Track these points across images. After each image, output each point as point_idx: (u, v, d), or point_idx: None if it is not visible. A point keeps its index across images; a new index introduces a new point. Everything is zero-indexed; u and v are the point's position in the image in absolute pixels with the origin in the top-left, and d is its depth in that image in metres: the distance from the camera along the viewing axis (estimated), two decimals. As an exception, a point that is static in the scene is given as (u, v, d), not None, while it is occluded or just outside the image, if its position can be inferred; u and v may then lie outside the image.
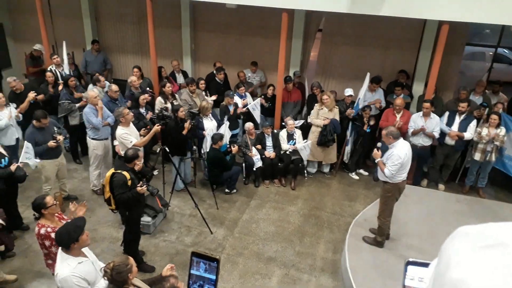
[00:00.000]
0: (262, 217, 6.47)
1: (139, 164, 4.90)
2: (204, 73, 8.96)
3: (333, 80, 8.66)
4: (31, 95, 6.91)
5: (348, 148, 7.46)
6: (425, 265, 0.97)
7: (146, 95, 7.15)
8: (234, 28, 8.97)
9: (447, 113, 6.96)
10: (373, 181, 7.54)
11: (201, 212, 6.14)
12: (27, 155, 5.65)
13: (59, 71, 8.05)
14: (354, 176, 7.69)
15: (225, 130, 7.01)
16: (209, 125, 6.97)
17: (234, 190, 7.08)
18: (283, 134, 7.27)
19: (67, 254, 3.41)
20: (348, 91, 7.42)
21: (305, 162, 7.47)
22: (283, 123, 7.50)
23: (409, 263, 1.04)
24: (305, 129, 7.51)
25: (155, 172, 5.65)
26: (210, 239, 5.91)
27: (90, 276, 3.50)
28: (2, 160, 5.32)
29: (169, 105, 7.20)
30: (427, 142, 6.85)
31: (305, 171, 7.39)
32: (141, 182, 4.91)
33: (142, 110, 7.06)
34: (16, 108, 6.72)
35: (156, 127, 6.00)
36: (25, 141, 5.75)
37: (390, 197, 5.18)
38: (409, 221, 5.96)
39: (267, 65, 8.83)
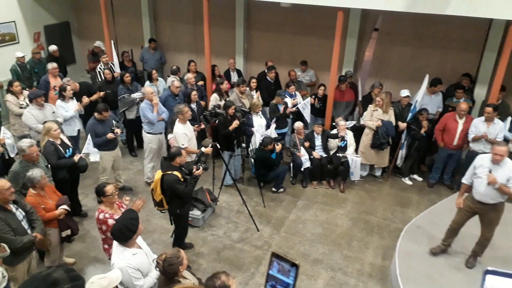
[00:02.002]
0: (309, 218, 6.40)
1: (182, 160, 5.00)
2: (256, 72, 9.01)
3: (388, 81, 8.38)
4: (96, 96, 7.41)
5: (402, 152, 7.19)
6: (507, 275, 0.90)
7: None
8: (287, 27, 8.95)
9: (509, 118, 6.52)
10: (428, 187, 7.22)
11: (249, 209, 6.19)
12: (89, 147, 5.97)
13: (103, 69, 8.32)
14: (407, 181, 7.40)
15: (271, 132, 7.00)
16: (259, 122, 6.99)
17: (281, 189, 7.07)
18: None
19: (122, 246, 3.55)
20: (405, 92, 7.15)
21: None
22: (334, 124, 7.37)
23: (488, 272, 0.97)
24: (357, 131, 7.33)
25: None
26: (257, 236, 5.94)
27: (144, 267, 3.62)
28: (67, 150, 5.66)
29: (222, 103, 7.32)
30: (489, 149, 6.43)
31: (351, 173, 7.14)
32: (195, 166, 5.03)
33: (194, 106, 7.22)
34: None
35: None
36: (88, 135, 6.08)
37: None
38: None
39: (319, 64, 8.73)
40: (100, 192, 4.28)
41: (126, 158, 7.84)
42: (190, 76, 7.79)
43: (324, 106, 7.60)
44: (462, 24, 7.21)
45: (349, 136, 7.16)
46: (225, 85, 7.57)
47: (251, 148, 7.06)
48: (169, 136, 6.51)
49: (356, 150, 7.22)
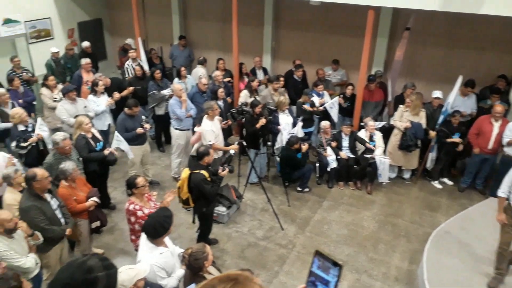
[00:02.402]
0: (335, 219, 6.33)
1: (209, 159, 5.04)
2: (283, 70, 8.98)
3: (419, 81, 8.17)
4: (127, 92, 7.58)
5: (432, 155, 7.01)
6: None
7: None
8: (315, 25, 8.88)
9: None
10: (458, 191, 7.01)
11: (273, 207, 6.17)
12: (118, 142, 6.09)
13: (134, 65, 8.46)
14: (437, 184, 7.21)
15: (297, 130, 6.95)
16: (285, 120, 6.95)
17: (307, 189, 7.02)
18: (361, 134, 7.03)
19: (151, 243, 3.59)
20: (436, 93, 6.96)
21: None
22: (362, 124, 7.26)
23: None
24: (386, 132, 7.19)
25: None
26: (281, 235, 5.92)
27: (169, 266, 3.67)
28: (98, 144, 5.81)
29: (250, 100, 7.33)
30: (525, 154, 6.19)
31: (379, 174, 6.99)
32: (220, 167, 5.08)
33: (220, 103, 7.26)
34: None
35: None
36: (115, 131, 6.20)
37: None
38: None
39: (348, 63, 8.61)
40: (131, 184, 4.38)
41: (154, 153, 7.96)
42: (218, 74, 7.85)
43: (352, 106, 7.50)
44: (499, 24, 6.95)
45: (378, 137, 7.04)
46: (255, 83, 7.59)
47: (277, 146, 7.03)
48: (196, 129, 6.56)
49: (385, 152, 7.08)
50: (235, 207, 6.45)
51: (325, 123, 7.09)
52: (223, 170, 5.07)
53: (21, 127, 5.91)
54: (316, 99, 7.43)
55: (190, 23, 10.45)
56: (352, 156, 7.06)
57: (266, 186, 6.74)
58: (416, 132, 6.77)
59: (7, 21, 8.44)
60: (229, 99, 7.81)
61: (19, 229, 3.79)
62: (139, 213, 4.33)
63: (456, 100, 6.93)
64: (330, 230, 6.06)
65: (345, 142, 7.09)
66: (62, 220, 4.43)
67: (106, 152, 5.78)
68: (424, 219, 6.36)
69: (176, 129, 6.94)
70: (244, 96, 7.46)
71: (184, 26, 10.45)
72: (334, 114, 7.48)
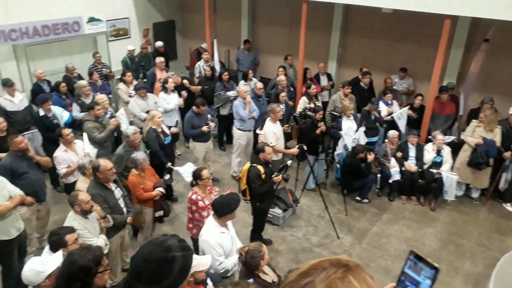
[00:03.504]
0: (394, 233, 6.11)
1: (265, 156, 5.13)
2: (348, 77, 8.85)
3: (496, 96, 7.64)
4: (195, 89, 7.92)
5: (506, 175, 6.53)
6: None
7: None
8: (385, 33, 8.65)
9: None
10: (533, 217, 6.48)
11: (330, 215, 6.09)
12: (182, 170, 5.97)
13: (204, 66, 8.75)
14: (509, 207, 6.69)
15: (359, 135, 6.80)
16: (348, 125, 6.81)
17: (366, 200, 6.84)
18: (428, 148, 6.73)
19: (215, 221, 3.85)
20: (515, 110, 6.49)
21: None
22: (430, 137, 6.94)
23: None
24: (456, 147, 6.82)
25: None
26: (337, 244, 5.83)
27: (226, 248, 3.86)
28: (166, 138, 6.11)
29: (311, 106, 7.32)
30: None
31: (445, 191, 6.62)
32: (276, 172, 5.16)
33: (282, 106, 7.30)
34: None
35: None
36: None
37: None
38: None
39: (416, 73, 8.31)
40: (197, 175, 4.61)
41: (215, 151, 8.18)
42: (282, 79, 7.91)
43: (420, 117, 7.20)
44: None
45: (446, 152, 6.69)
46: (313, 89, 7.54)
47: (337, 152, 6.93)
48: (259, 131, 6.68)
49: (452, 168, 6.71)
50: (291, 211, 6.45)
51: (393, 133, 6.85)
52: (276, 176, 5.15)
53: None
54: (383, 108, 7.23)
55: (258, 27, 10.65)
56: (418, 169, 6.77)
57: (324, 193, 6.66)
58: (488, 150, 6.35)
59: (91, 20, 9.13)
60: (291, 103, 7.86)
61: (93, 211, 4.09)
62: (200, 204, 4.55)
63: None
64: (388, 243, 5.86)
65: (412, 153, 6.80)
66: (124, 210, 4.69)
67: (168, 164, 6.02)
68: (493, 242, 5.94)
69: (239, 129, 7.11)
70: (302, 103, 7.46)
71: (252, 30, 10.67)
72: (402, 125, 7.22)
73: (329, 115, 6.73)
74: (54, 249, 3.31)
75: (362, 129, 6.87)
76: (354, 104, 7.17)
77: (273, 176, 5.17)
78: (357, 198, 6.86)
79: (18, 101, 6.91)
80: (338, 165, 6.94)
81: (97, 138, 6.02)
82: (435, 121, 7.20)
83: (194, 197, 4.57)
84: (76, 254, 2.76)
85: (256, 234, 5.60)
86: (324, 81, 8.79)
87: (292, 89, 8.29)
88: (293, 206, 6.45)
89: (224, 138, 8.53)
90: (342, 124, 6.79)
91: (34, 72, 7.74)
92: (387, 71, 8.50)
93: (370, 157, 6.52)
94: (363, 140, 6.81)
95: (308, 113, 6.44)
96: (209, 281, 3.49)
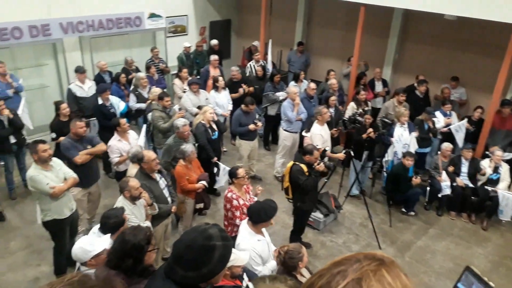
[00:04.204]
0: (440, 249, 5.83)
1: (311, 159, 5.06)
2: (402, 84, 8.55)
3: None
4: (246, 87, 7.98)
5: None
6: None
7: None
8: (446, 41, 8.28)
9: None
10: None
11: (373, 224, 5.93)
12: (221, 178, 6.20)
13: (256, 66, 8.82)
14: None
15: (410, 140, 6.53)
16: (400, 132, 6.56)
17: (412, 213, 6.58)
18: (485, 164, 6.36)
19: (250, 229, 3.77)
20: None
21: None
22: (487, 152, 6.55)
23: None
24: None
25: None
26: (378, 254, 5.66)
27: (264, 255, 3.80)
28: (214, 133, 6.24)
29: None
30: None
31: (500, 210, 6.20)
32: (318, 160, 5.11)
33: (331, 110, 7.21)
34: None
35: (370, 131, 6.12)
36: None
37: None
38: None
39: (475, 84, 7.90)
40: (233, 174, 4.64)
41: (260, 150, 8.22)
42: (334, 82, 7.82)
43: (478, 131, 6.82)
44: None
45: (504, 170, 6.28)
46: (362, 95, 7.38)
47: (386, 159, 6.71)
48: (304, 133, 6.64)
49: (510, 187, 6.30)
50: (332, 217, 6.35)
51: (447, 145, 6.54)
52: (318, 164, 5.05)
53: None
54: (440, 119, 6.92)
55: (312, 30, 10.58)
56: (470, 185, 6.42)
57: (368, 202, 6.50)
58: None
59: (152, 16, 9.51)
60: (341, 107, 7.74)
61: (142, 198, 4.26)
62: (234, 202, 4.55)
63: None
64: (433, 259, 5.61)
65: (464, 168, 6.47)
66: (169, 199, 4.85)
67: (215, 159, 6.13)
68: (551, 270, 5.51)
69: (285, 130, 7.11)
70: (350, 108, 7.32)
71: (306, 32, 10.62)
72: (460, 138, 6.86)
73: (380, 121, 6.54)
74: (105, 231, 3.48)
75: (414, 134, 6.59)
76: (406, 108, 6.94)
77: (315, 164, 5.06)
78: (403, 209, 6.62)
79: (87, 88, 7.35)
80: (385, 174, 6.73)
81: (161, 128, 6.32)
82: (494, 136, 6.79)
83: (229, 195, 4.58)
84: (129, 234, 2.90)
85: (295, 236, 5.56)
86: (379, 87, 8.58)
87: (343, 93, 8.16)
88: (335, 212, 6.34)
89: (269, 138, 8.56)
90: (395, 131, 6.58)
91: (97, 63, 8.20)
92: (444, 80, 8.13)
93: (416, 180, 6.25)
94: (414, 147, 6.55)
95: (358, 118, 6.31)
96: (245, 277, 3.53)
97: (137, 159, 4.67)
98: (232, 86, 8.00)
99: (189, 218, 5.43)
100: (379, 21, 8.96)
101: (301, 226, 5.56)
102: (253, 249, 3.70)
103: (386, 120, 6.63)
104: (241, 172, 4.66)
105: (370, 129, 6.33)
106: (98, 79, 7.93)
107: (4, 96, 6.54)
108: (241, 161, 6.91)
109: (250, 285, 1.40)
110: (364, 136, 6.30)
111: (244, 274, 3.48)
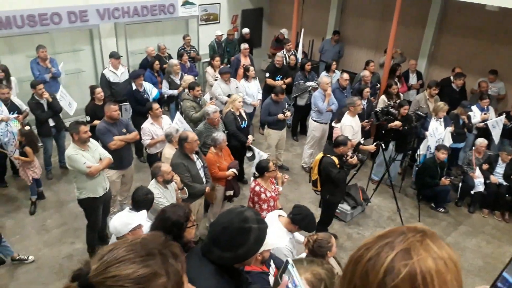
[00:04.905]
0: (471, 246, 5.70)
1: (344, 150, 5.01)
2: (437, 76, 8.31)
3: None
4: (281, 82, 8.00)
5: None
6: None
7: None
8: (486, 33, 7.96)
9: None
10: None
11: (402, 218, 5.86)
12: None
13: (288, 55, 8.77)
14: None
15: (445, 135, 6.36)
16: (436, 126, 6.38)
17: (442, 209, 6.45)
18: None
19: (283, 226, 3.79)
20: None
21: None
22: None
23: None
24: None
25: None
26: (405, 249, 5.59)
27: (295, 252, 3.85)
28: (243, 122, 6.28)
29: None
30: None
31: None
32: (351, 154, 5.06)
33: (364, 102, 7.10)
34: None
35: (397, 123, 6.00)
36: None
37: None
38: None
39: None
40: (264, 168, 4.59)
41: (288, 140, 8.19)
42: (367, 74, 7.67)
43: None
44: None
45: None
46: (393, 88, 7.22)
47: (419, 153, 6.56)
48: (334, 124, 6.58)
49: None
50: (360, 209, 6.30)
51: (481, 141, 6.34)
52: (351, 157, 5.00)
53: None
54: (477, 114, 6.71)
55: (346, 19, 10.40)
56: (505, 183, 6.22)
57: (397, 196, 6.41)
58: None
59: (185, 3, 9.59)
60: (373, 99, 7.60)
61: (173, 181, 4.39)
62: (262, 196, 4.59)
63: None
64: (462, 257, 5.49)
65: (500, 169, 6.26)
66: (204, 180, 4.99)
67: (249, 140, 6.15)
68: None
69: (315, 120, 7.06)
70: (381, 101, 7.17)
71: (340, 22, 10.44)
72: (496, 134, 6.62)
73: (414, 114, 6.39)
74: (137, 208, 3.62)
75: (449, 129, 6.42)
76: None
77: (347, 157, 5.02)
78: (433, 205, 6.50)
79: (120, 74, 7.53)
80: (416, 167, 6.59)
81: (192, 118, 6.38)
82: (533, 132, 6.53)
83: (257, 188, 4.60)
84: (169, 211, 3.03)
85: (322, 227, 5.54)
86: (413, 79, 8.36)
87: (378, 85, 8.01)
88: (363, 204, 6.29)
89: (298, 128, 8.53)
90: (429, 124, 6.42)
91: (146, 48, 8.28)
92: (481, 73, 7.85)
93: (445, 181, 6.11)
94: (448, 141, 6.38)
95: (391, 110, 6.19)
96: (272, 264, 3.58)
97: (180, 139, 4.79)
98: (274, 71, 8.04)
99: (219, 205, 5.53)
100: (416, 11, 8.72)
101: (329, 218, 5.55)
102: (287, 247, 3.71)
103: (420, 113, 6.47)
104: (271, 166, 4.66)
105: (398, 122, 6.22)
106: (146, 64, 8.09)
107: (42, 80, 6.79)
108: (269, 150, 6.94)
109: (290, 260, 1.44)
110: (392, 124, 6.18)
111: (272, 261, 3.53)
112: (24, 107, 6.40)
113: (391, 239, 0.81)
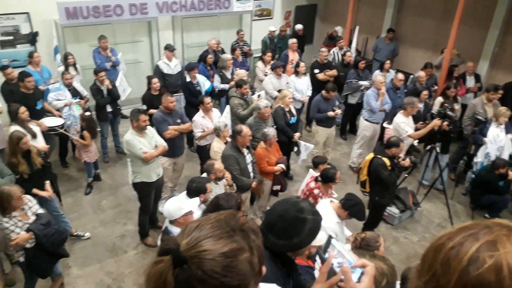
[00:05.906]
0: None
1: (397, 151, 4.89)
2: (501, 80, 7.82)
3: None
4: (331, 73, 7.99)
5: None
6: None
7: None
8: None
9: None
10: None
11: (453, 226, 5.61)
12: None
13: (340, 53, 8.71)
14: None
15: (505, 142, 6.00)
16: (496, 132, 6.05)
17: (497, 219, 6.10)
18: None
19: (334, 210, 3.91)
20: None
21: None
22: None
23: None
24: None
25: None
26: (455, 258, 5.37)
27: (339, 237, 3.89)
28: (292, 118, 6.29)
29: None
30: None
31: None
32: (403, 156, 4.97)
33: (421, 105, 6.87)
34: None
35: (436, 121, 5.77)
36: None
37: None
38: None
39: None
40: (331, 179, 4.63)
41: (336, 139, 8.10)
42: (422, 75, 7.39)
43: None
44: None
45: None
46: (451, 91, 6.91)
47: (476, 160, 6.25)
48: (386, 125, 6.43)
49: None
50: (409, 213, 6.12)
51: (546, 150, 5.96)
52: (404, 159, 4.88)
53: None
54: None
55: (402, 17, 10.06)
56: None
57: (450, 202, 6.16)
58: None
59: (240, -2, 9.73)
60: (427, 101, 7.33)
61: (224, 178, 4.52)
62: (318, 200, 4.57)
63: None
64: None
65: None
66: (251, 174, 5.07)
67: (296, 136, 6.19)
68: None
69: (366, 120, 6.92)
70: (437, 103, 6.89)
71: (396, 20, 10.13)
72: None
73: (473, 119, 6.09)
74: (192, 194, 3.77)
75: (510, 136, 6.06)
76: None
77: (399, 159, 4.91)
78: (486, 215, 6.17)
79: (174, 66, 7.77)
80: (473, 175, 6.29)
81: (240, 115, 6.43)
82: None
83: (316, 192, 4.65)
84: (222, 199, 3.16)
85: (368, 228, 5.44)
86: (470, 82, 7.96)
87: (435, 87, 7.71)
88: (412, 208, 6.10)
89: (347, 127, 8.40)
90: (489, 130, 6.09)
91: (208, 41, 8.45)
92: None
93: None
94: (509, 149, 6.03)
95: (449, 112, 5.94)
96: (318, 259, 3.59)
97: (234, 131, 4.91)
98: (318, 67, 8.04)
99: (265, 198, 5.60)
100: (480, 11, 8.27)
101: (376, 220, 5.44)
102: (330, 227, 3.77)
103: (480, 118, 6.16)
104: (339, 176, 4.73)
105: (444, 122, 5.95)
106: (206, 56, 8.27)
107: (103, 68, 7.18)
108: (317, 148, 6.90)
109: (333, 234, 1.44)
110: (431, 125, 5.93)
111: (317, 256, 3.54)
112: (85, 93, 6.82)
113: (475, 231, 0.80)
